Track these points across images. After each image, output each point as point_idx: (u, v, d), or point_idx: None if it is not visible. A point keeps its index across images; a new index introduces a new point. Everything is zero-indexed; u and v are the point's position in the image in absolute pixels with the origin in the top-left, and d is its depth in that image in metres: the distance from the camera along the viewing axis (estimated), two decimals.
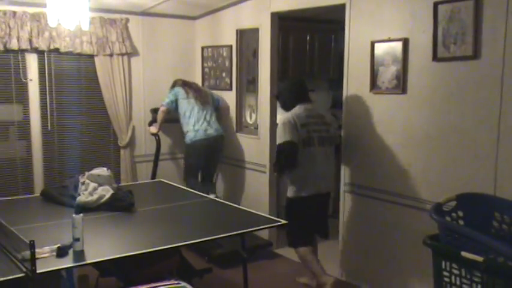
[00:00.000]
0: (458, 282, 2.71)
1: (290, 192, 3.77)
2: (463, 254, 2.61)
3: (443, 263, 2.78)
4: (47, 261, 2.47)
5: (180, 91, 5.10)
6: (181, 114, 5.06)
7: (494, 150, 3.08)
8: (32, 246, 2.26)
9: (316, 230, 3.94)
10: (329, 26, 5.99)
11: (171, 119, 5.21)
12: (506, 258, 2.50)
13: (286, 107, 3.83)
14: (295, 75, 6.02)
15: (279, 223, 3.28)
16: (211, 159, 5.17)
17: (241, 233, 3.17)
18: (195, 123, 4.98)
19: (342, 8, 4.01)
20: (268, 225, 3.36)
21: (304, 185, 3.70)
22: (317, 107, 4.04)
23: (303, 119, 3.66)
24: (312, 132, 3.68)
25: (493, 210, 2.94)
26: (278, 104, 4.12)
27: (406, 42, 3.54)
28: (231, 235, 3.07)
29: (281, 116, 3.92)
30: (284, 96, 3.91)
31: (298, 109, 3.73)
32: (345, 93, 4.05)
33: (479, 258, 2.53)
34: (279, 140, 3.64)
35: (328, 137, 3.80)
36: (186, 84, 5.19)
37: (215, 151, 5.15)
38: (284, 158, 3.61)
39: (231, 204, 3.87)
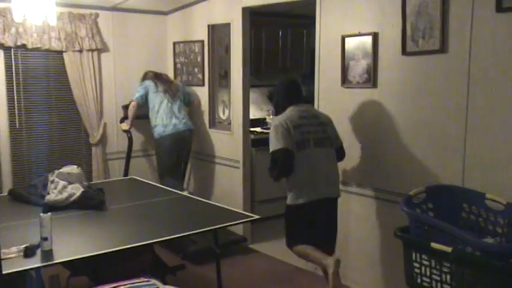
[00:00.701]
0: (428, 273, 2.75)
1: (288, 199, 3.44)
2: (433, 245, 2.65)
3: (413, 254, 2.82)
4: (14, 262, 2.42)
5: (150, 84, 5.06)
6: (150, 108, 5.03)
7: (462, 142, 3.13)
8: None
9: (318, 241, 3.44)
10: (301, 21, 6.01)
11: (142, 115, 5.16)
12: (474, 249, 2.55)
13: (278, 109, 3.55)
14: (268, 71, 6.06)
15: (252, 218, 3.28)
16: (182, 154, 5.14)
17: (214, 229, 3.16)
18: (164, 118, 4.95)
19: (313, 3, 4.02)
20: (241, 221, 3.36)
21: (302, 191, 3.34)
22: (311, 107, 3.82)
23: (295, 121, 3.35)
24: (307, 133, 3.36)
25: (462, 201, 2.99)
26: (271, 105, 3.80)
27: (375, 36, 3.57)
28: (203, 231, 3.06)
29: (273, 117, 3.69)
30: (276, 96, 3.61)
31: (290, 111, 3.42)
32: (317, 87, 4.07)
33: (448, 249, 2.57)
34: (272, 146, 3.34)
35: (325, 138, 3.44)
36: (156, 77, 5.15)
37: (185, 146, 5.11)
38: (279, 167, 3.31)
39: (204, 200, 3.87)
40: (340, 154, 3.59)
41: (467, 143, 3.11)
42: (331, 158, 3.47)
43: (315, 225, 3.41)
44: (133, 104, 5.05)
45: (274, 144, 3.30)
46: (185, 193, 4.43)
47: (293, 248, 3.47)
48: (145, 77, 5.20)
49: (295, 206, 3.37)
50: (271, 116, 5.52)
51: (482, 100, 3.02)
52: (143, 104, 5.04)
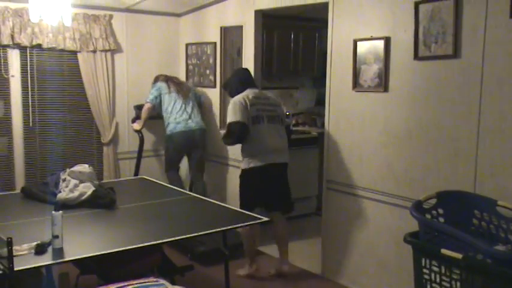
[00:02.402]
0: (438, 280, 2.73)
1: (243, 165, 4.03)
2: (443, 251, 2.63)
3: (423, 260, 2.80)
4: (25, 259, 2.45)
5: (162, 86, 5.10)
6: (164, 109, 5.06)
7: (474, 148, 3.11)
8: (9, 243, 2.23)
9: (271, 203, 4.06)
10: (313, 24, 6.01)
11: (154, 116, 5.19)
12: (485, 256, 2.52)
13: (233, 94, 4.07)
14: (280, 73, 6.07)
15: (261, 220, 3.28)
16: (193, 152, 5.11)
17: (222, 230, 3.17)
18: (177, 116, 4.98)
19: (325, 6, 4.02)
20: (249, 223, 3.36)
21: (255, 158, 3.93)
22: (263, 91, 4.28)
23: (252, 100, 3.93)
24: (261, 111, 3.95)
25: (473, 207, 2.96)
26: (227, 94, 4.39)
27: (387, 40, 3.56)
28: (212, 232, 3.07)
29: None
30: (231, 84, 4.20)
31: (246, 92, 4.00)
32: (328, 91, 4.07)
33: (459, 256, 2.55)
34: (229, 118, 3.90)
35: (276, 116, 4.04)
36: (168, 79, 5.18)
37: (196, 144, 5.07)
38: (235, 137, 3.94)
39: (213, 201, 3.87)
40: (289, 132, 4.22)
41: (479, 149, 3.09)
42: (281, 133, 4.06)
43: (266, 187, 3.99)
44: (148, 105, 5.07)
45: (231, 117, 3.88)
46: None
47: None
48: (156, 79, 5.24)
49: (250, 168, 3.96)
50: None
51: (495, 106, 3.00)
52: (157, 105, 5.07)
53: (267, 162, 3.94)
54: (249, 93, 4.00)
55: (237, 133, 3.89)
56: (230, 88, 4.19)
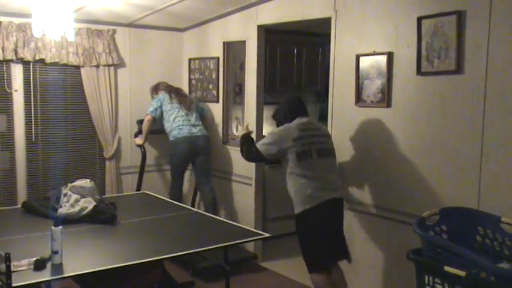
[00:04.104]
0: None
1: (296, 209, 3.48)
2: (446, 268, 2.60)
3: (426, 277, 2.77)
4: (24, 275, 2.43)
5: (164, 97, 5.06)
6: (166, 118, 5.02)
7: (478, 164, 3.09)
8: (7, 259, 2.22)
9: (331, 247, 3.50)
10: (316, 39, 6.03)
11: (156, 130, 5.19)
12: (489, 274, 2.49)
13: (282, 123, 3.61)
14: (283, 88, 6.07)
15: (263, 236, 3.25)
16: (198, 158, 5.02)
17: (224, 246, 3.15)
18: (180, 124, 4.95)
19: (328, 21, 4.03)
20: (251, 238, 3.34)
21: (308, 198, 3.40)
22: (313, 121, 3.84)
23: (297, 133, 3.45)
24: (308, 144, 3.45)
25: (477, 224, 2.94)
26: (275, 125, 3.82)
27: (390, 56, 3.55)
28: (213, 248, 3.04)
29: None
30: (279, 112, 3.69)
31: (294, 122, 3.53)
32: (330, 106, 4.06)
33: (462, 273, 2.52)
34: (263, 140, 3.56)
35: (327, 149, 3.54)
36: (170, 90, 5.16)
37: (200, 150, 4.99)
38: (250, 157, 3.65)
39: (215, 216, 3.86)
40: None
41: (483, 165, 3.07)
42: (332, 168, 3.58)
43: (325, 230, 3.44)
44: (148, 118, 5.05)
45: (264, 140, 3.53)
46: None
47: (312, 274, 3.47)
48: (157, 87, 5.22)
49: (304, 211, 3.41)
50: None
51: (499, 121, 2.98)
52: (158, 117, 5.05)
53: (321, 200, 3.40)
54: (297, 124, 3.50)
55: (252, 156, 3.59)
56: (279, 117, 3.67)
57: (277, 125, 3.67)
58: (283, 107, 3.70)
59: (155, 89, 5.25)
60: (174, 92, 5.14)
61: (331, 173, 3.53)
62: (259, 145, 3.53)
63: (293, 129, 3.47)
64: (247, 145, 3.63)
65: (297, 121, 3.53)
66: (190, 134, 4.94)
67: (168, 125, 5.01)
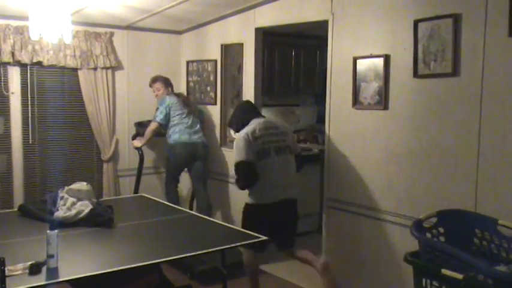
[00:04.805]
0: None
1: (249, 199, 3.75)
2: (443, 271, 2.59)
3: (424, 280, 2.77)
4: (20, 279, 2.41)
5: (171, 104, 5.00)
6: (170, 123, 5.01)
7: (475, 166, 3.09)
8: (1, 263, 2.21)
9: (276, 239, 3.71)
10: (314, 42, 6.02)
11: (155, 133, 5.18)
12: (486, 276, 2.49)
13: (239, 129, 3.82)
14: (281, 91, 6.07)
15: (260, 239, 3.24)
16: (195, 164, 5.05)
17: (221, 249, 3.13)
18: (181, 128, 4.95)
19: (325, 24, 4.03)
20: (249, 241, 3.32)
21: (263, 195, 3.66)
22: (270, 119, 4.09)
23: (256, 132, 3.65)
24: (267, 143, 3.66)
25: (474, 226, 2.93)
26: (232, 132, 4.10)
27: (387, 58, 3.56)
28: (210, 251, 3.03)
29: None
30: (235, 119, 3.92)
31: (251, 124, 3.74)
32: (328, 108, 4.06)
33: (459, 276, 2.51)
34: (236, 157, 3.67)
35: (285, 146, 3.74)
36: (175, 94, 5.16)
37: (197, 157, 5.03)
38: (242, 179, 3.68)
39: (213, 219, 3.84)
40: (299, 162, 3.86)
41: (480, 167, 3.07)
42: (290, 165, 3.76)
43: (269, 227, 3.54)
44: (155, 125, 5.00)
45: (236, 156, 3.65)
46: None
47: (244, 250, 3.76)
48: (154, 79, 5.14)
49: (254, 205, 3.69)
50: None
51: (495, 124, 2.98)
52: (166, 123, 5.00)
53: (276, 199, 3.65)
54: (254, 124, 3.72)
55: (242, 173, 3.65)
56: (236, 124, 3.90)
57: (235, 131, 3.89)
58: (236, 113, 3.96)
59: (165, 83, 5.16)
60: (178, 95, 5.15)
61: (288, 171, 3.74)
62: (237, 163, 3.64)
63: (251, 130, 3.65)
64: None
65: (253, 122, 3.73)
66: (190, 141, 4.96)
67: (170, 130, 5.01)
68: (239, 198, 5.03)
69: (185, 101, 5.11)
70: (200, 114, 5.28)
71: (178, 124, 4.97)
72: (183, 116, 5.00)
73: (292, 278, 4.41)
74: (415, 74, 3.37)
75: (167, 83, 5.18)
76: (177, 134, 4.95)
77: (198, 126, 5.09)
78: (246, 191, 3.78)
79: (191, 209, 5.35)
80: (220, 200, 5.33)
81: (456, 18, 3.12)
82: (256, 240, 3.26)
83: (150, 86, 5.21)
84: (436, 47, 3.24)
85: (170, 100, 5.03)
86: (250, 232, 3.36)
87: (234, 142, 3.75)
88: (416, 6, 3.36)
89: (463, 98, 3.13)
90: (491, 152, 3.01)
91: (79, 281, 2.65)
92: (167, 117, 4.99)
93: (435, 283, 2.70)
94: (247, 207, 3.78)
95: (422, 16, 3.30)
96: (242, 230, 3.52)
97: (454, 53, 3.14)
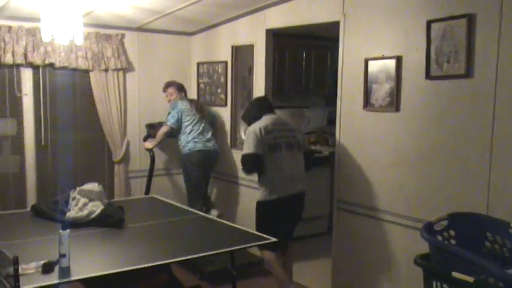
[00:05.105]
0: None
1: (260, 196, 3.85)
2: (454, 274, 2.57)
3: (434, 283, 2.74)
4: (32, 278, 2.44)
5: (183, 108, 5.03)
6: (182, 129, 5.03)
7: (487, 169, 3.06)
8: (15, 262, 2.23)
9: (285, 233, 3.89)
10: (325, 43, 6.02)
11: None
12: (497, 279, 2.46)
13: (251, 122, 3.92)
14: (291, 92, 6.07)
15: (269, 240, 3.24)
16: (207, 173, 5.16)
17: (230, 250, 3.14)
18: (195, 136, 4.97)
19: (336, 25, 4.02)
20: (258, 243, 3.32)
21: (273, 189, 3.76)
22: (282, 116, 4.16)
23: (268, 127, 3.76)
24: (279, 138, 3.78)
25: (485, 229, 2.91)
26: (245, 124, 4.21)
27: (399, 60, 3.54)
28: (219, 252, 3.04)
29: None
30: (248, 112, 4.03)
31: (263, 119, 3.85)
32: (339, 110, 4.05)
33: (470, 279, 2.49)
34: (245, 149, 3.77)
35: (295, 143, 3.87)
36: (188, 100, 5.18)
37: (211, 165, 5.13)
38: (248, 168, 3.81)
39: (222, 221, 3.85)
40: (307, 159, 3.98)
41: (493, 170, 3.04)
42: (299, 161, 3.88)
43: (283, 220, 3.81)
44: (167, 128, 5.02)
45: (246, 148, 3.75)
46: (214, 214, 4.45)
47: (264, 251, 3.83)
48: (180, 88, 5.17)
49: (266, 201, 3.79)
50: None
51: (509, 126, 2.95)
52: (178, 127, 5.02)
53: (285, 193, 3.77)
54: (265, 120, 3.83)
55: (249, 164, 3.76)
56: (248, 117, 4.00)
57: (248, 124, 3.98)
58: (250, 107, 4.07)
59: (179, 89, 5.19)
60: (191, 100, 5.17)
61: (297, 166, 3.85)
62: (245, 155, 3.75)
63: (263, 125, 3.75)
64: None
65: (264, 118, 3.84)
66: (205, 148, 4.98)
67: (183, 138, 5.02)
68: (249, 199, 5.04)
69: (197, 107, 5.13)
70: (213, 120, 5.29)
71: (191, 132, 4.97)
72: (195, 121, 5.01)
73: (300, 279, 4.39)
74: (428, 75, 3.35)
75: (180, 88, 5.21)
76: (192, 143, 4.96)
77: (210, 133, 5.10)
78: (257, 193, 3.81)
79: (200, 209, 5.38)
80: (229, 201, 5.34)
81: (470, 19, 3.09)
82: (266, 242, 3.27)
83: (164, 90, 5.24)
84: (449, 48, 3.21)
85: (182, 105, 5.05)
86: (259, 233, 3.37)
87: (246, 133, 3.86)
88: (429, 6, 3.34)
89: (476, 99, 3.10)
90: (504, 154, 2.98)
91: (90, 280, 2.67)
92: (179, 122, 5.00)
93: (445, 286, 2.68)
94: (258, 205, 3.86)
95: (435, 16, 3.28)
96: (251, 231, 3.52)
97: (467, 54, 3.11)
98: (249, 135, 3.76)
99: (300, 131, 4.06)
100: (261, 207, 3.85)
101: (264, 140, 3.71)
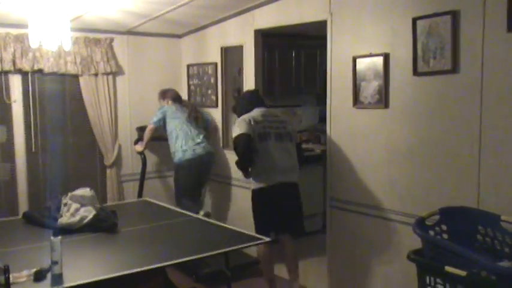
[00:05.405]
0: None
1: (252, 185, 3.94)
2: (447, 268, 2.58)
3: (427, 277, 2.76)
4: (25, 286, 2.43)
5: (168, 110, 5.04)
6: (169, 133, 5.01)
7: (477, 163, 3.08)
8: (6, 270, 2.22)
9: (281, 224, 3.94)
10: (314, 42, 6.01)
11: (157, 137, 5.19)
12: (489, 272, 2.48)
13: (241, 114, 3.98)
14: (282, 91, 6.08)
15: (264, 241, 3.25)
16: (201, 177, 5.10)
17: (224, 252, 3.14)
18: (183, 143, 4.91)
19: (324, 24, 4.03)
20: (252, 243, 3.33)
21: (263, 177, 3.84)
22: (272, 109, 4.24)
23: (258, 118, 3.86)
24: (268, 128, 3.86)
25: (477, 223, 2.93)
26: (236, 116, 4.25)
27: (386, 57, 3.55)
28: (213, 254, 3.04)
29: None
30: (239, 105, 4.12)
31: (253, 111, 3.94)
32: (329, 108, 4.06)
33: (463, 273, 2.51)
34: (234, 133, 3.86)
35: (285, 133, 3.94)
36: (177, 100, 5.15)
37: (204, 169, 5.06)
38: (241, 150, 3.79)
39: (216, 222, 3.86)
40: (299, 150, 4.09)
41: (482, 164, 3.06)
42: (291, 151, 3.94)
43: (275, 208, 3.86)
44: (150, 127, 5.04)
45: (235, 132, 3.82)
46: (201, 214, 4.43)
47: (259, 246, 3.84)
48: (165, 94, 5.18)
49: (258, 190, 3.87)
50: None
51: (496, 120, 2.98)
52: (161, 127, 5.04)
53: (275, 181, 3.83)
54: (256, 112, 3.93)
55: (240, 145, 3.78)
56: (239, 110, 4.08)
57: (238, 116, 4.03)
58: (242, 100, 4.15)
59: (163, 95, 5.20)
60: (179, 102, 5.14)
61: (288, 156, 3.91)
62: (236, 136, 3.80)
63: (253, 115, 3.85)
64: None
65: (255, 110, 3.93)
66: (195, 155, 4.91)
67: (171, 143, 4.99)
68: (242, 200, 5.04)
69: (187, 107, 5.11)
70: (206, 123, 5.26)
71: (178, 139, 4.91)
72: (183, 128, 4.94)
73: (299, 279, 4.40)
74: (415, 71, 3.37)
75: (176, 98, 5.18)
76: (180, 152, 4.90)
77: (202, 136, 5.03)
78: (250, 193, 3.82)
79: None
80: (223, 202, 5.34)
81: (454, 15, 3.11)
82: (260, 242, 3.28)
83: (163, 99, 5.21)
84: (435, 44, 3.23)
85: (168, 108, 5.06)
86: (257, 235, 3.39)
87: (235, 123, 3.93)
88: (414, 3, 3.36)
89: (463, 94, 3.12)
90: (493, 148, 3.00)
91: (84, 286, 2.66)
92: (162, 121, 5.01)
93: (439, 280, 2.70)
94: (252, 193, 3.95)
95: (421, 13, 3.30)
96: (245, 232, 3.53)
97: (453, 49, 3.13)
98: (238, 123, 3.85)
99: (290, 122, 4.15)
100: (254, 195, 3.94)
101: (254, 128, 3.79)
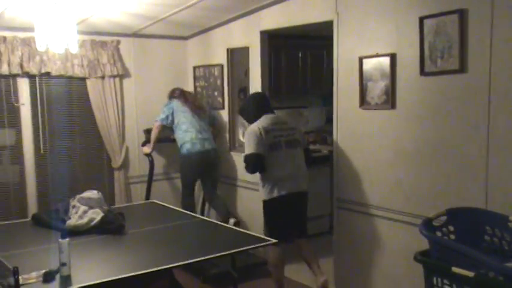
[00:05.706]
0: None
1: (263, 194, 3.89)
2: (454, 269, 2.57)
3: (434, 279, 2.74)
4: (34, 287, 2.45)
5: (176, 104, 5.05)
6: (177, 126, 5.01)
7: (485, 163, 3.07)
8: (15, 272, 2.24)
9: (291, 229, 3.95)
10: (321, 42, 6.02)
11: (164, 139, 5.21)
12: (497, 273, 2.47)
13: (250, 120, 3.98)
14: (289, 92, 6.08)
15: (270, 242, 3.25)
16: (209, 173, 5.10)
17: (231, 253, 3.15)
18: (193, 135, 4.94)
19: (330, 24, 4.03)
20: (259, 245, 3.32)
21: (275, 187, 3.81)
22: (281, 115, 4.21)
23: (267, 127, 3.83)
24: (278, 136, 3.85)
25: (484, 224, 2.90)
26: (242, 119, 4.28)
27: (393, 57, 3.54)
28: (220, 255, 3.04)
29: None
30: (247, 110, 4.08)
31: (262, 119, 3.90)
32: (335, 109, 4.05)
33: (470, 274, 2.49)
34: (246, 149, 3.83)
35: (294, 140, 3.94)
36: (183, 95, 5.15)
37: (212, 165, 5.07)
38: (251, 168, 3.84)
39: (223, 224, 3.86)
40: (307, 155, 4.08)
41: (490, 164, 3.05)
42: (300, 158, 3.95)
43: (288, 217, 3.89)
44: (157, 125, 5.05)
45: (247, 149, 3.81)
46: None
47: (271, 247, 3.80)
48: (173, 93, 5.20)
49: (271, 199, 3.84)
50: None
51: (504, 120, 2.96)
52: (168, 124, 5.04)
53: (287, 191, 3.82)
54: (265, 119, 3.89)
55: (251, 164, 3.80)
56: (247, 115, 4.08)
57: (246, 121, 4.09)
58: (249, 104, 4.10)
59: (170, 95, 5.22)
60: (186, 97, 5.14)
61: (298, 164, 3.92)
62: (247, 155, 3.80)
63: (263, 125, 3.82)
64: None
65: (264, 117, 3.90)
66: (203, 149, 4.95)
67: (180, 135, 5.01)
68: (249, 201, 5.05)
69: (192, 104, 5.10)
70: (212, 120, 5.28)
71: (188, 130, 4.95)
72: (192, 121, 4.97)
73: (303, 279, 4.41)
74: (422, 71, 3.36)
75: (181, 93, 5.18)
76: (189, 143, 4.93)
77: (209, 132, 5.08)
78: (257, 194, 3.82)
79: (202, 214, 5.39)
80: (229, 204, 5.34)
81: (462, 14, 3.09)
82: (267, 243, 3.28)
83: (171, 97, 5.21)
84: (443, 44, 3.22)
85: (175, 102, 5.07)
86: (264, 237, 3.39)
87: (246, 133, 3.92)
88: (421, 3, 3.34)
89: (471, 94, 3.11)
90: (501, 148, 2.98)
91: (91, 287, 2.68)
92: (169, 118, 5.01)
93: (446, 281, 2.68)
94: (264, 204, 3.92)
95: (428, 13, 3.28)
96: (252, 233, 3.54)
97: (460, 49, 3.11)
98: (249, 136, 3.81)
99: (299, 130, 4.13)
100: (266, 205, 3.91)
101: (264, 140, 3.76)
